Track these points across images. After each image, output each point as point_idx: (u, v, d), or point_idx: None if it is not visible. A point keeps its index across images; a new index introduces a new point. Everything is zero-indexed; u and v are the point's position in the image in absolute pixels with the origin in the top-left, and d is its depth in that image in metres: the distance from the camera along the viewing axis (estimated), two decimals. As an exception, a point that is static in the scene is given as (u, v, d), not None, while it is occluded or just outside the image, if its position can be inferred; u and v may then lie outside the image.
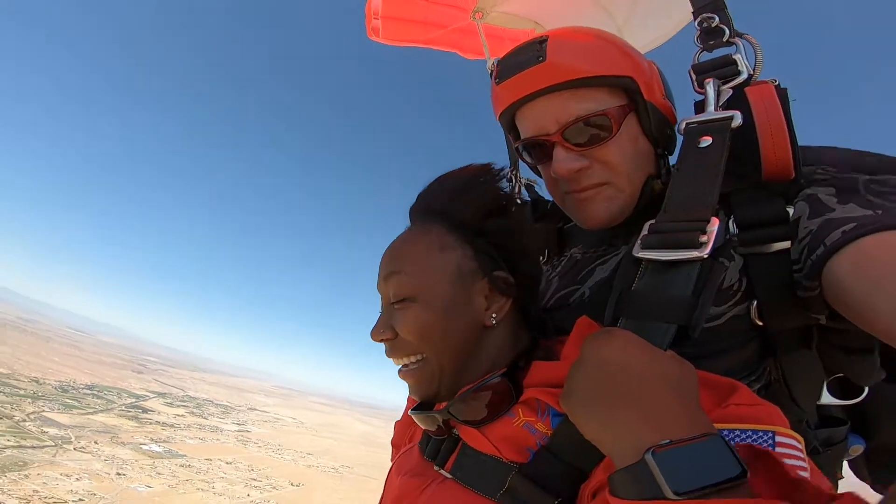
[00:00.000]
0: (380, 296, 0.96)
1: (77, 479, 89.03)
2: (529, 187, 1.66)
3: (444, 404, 0.90)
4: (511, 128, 1.15)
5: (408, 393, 0.96)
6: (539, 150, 1.08)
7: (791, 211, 0.91)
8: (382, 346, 0.92)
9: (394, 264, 0.91)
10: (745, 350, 0.95)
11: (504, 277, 0.91)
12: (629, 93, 1.02)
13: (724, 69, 1.04)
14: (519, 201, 0.96)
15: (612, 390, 0.62)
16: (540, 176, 1.21)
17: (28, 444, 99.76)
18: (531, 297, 0.99)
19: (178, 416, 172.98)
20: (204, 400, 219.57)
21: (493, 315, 0.90)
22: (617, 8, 2.00)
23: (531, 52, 1.00)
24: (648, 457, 0.53)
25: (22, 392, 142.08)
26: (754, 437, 0.63)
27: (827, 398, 1.06)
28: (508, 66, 1.04)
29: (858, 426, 1.16)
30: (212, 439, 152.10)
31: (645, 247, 0.83)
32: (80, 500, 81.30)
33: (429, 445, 0.93)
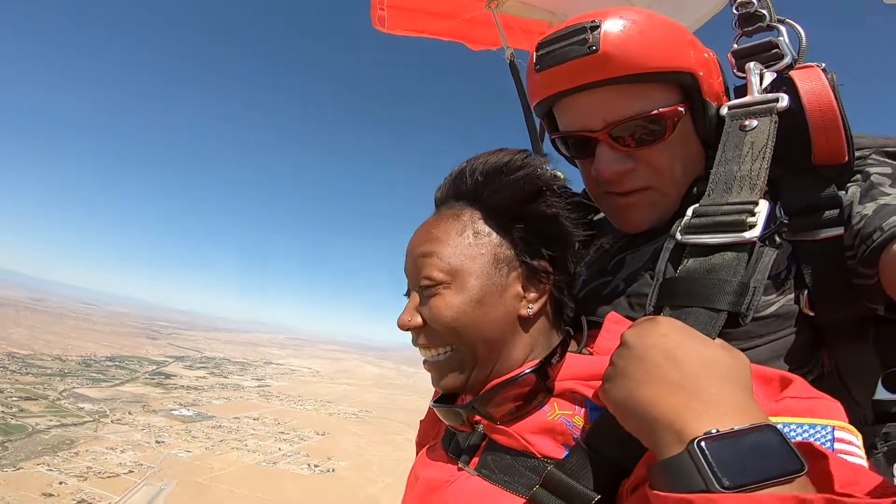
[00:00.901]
0: (406, 280, 0.91)
1: (122, 451, 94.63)
2: (555, 178, 1.56)
3: (468, 398, 0.86)
4: (547, 116, 1.08)
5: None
6: (580, 145, 1.02)
7: (843, 197, 0.87)
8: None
9: (426, 246, 0.86)
10: (794, 341, 0.89)
11: (543, 266, 0.87)
12: (687, 89, 0.95)
13: (765, 53, 0.99)
14: (559, 189, 0.92)
15: (655, 378, 0.58)
16: (575, 166, 1.13)
17: (69, 422, 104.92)
18: (569, 289, 0.94)
19: (200, 377, 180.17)
20: (221, 359, 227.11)
21: (530, 305, 0.86)
22: None
23: (581, 40, 0.90)
24: (694, 447, 0.50)
25: (49, 371, 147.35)
26: (812, 431, 0.59)
27: (882, 393, 0.99)
28: (553, 53, 0.93)
29: None
30: (236, 397, 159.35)
31: (689, 231, 0.79)
32: (130, 471, 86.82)
33: (452, 441, 0.88)
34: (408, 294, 0.91)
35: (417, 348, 0.89)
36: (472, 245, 0.85)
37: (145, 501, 78.19)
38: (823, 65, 0.94)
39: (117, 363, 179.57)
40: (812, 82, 0.90)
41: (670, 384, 0.57)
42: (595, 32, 0.89)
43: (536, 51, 0.98)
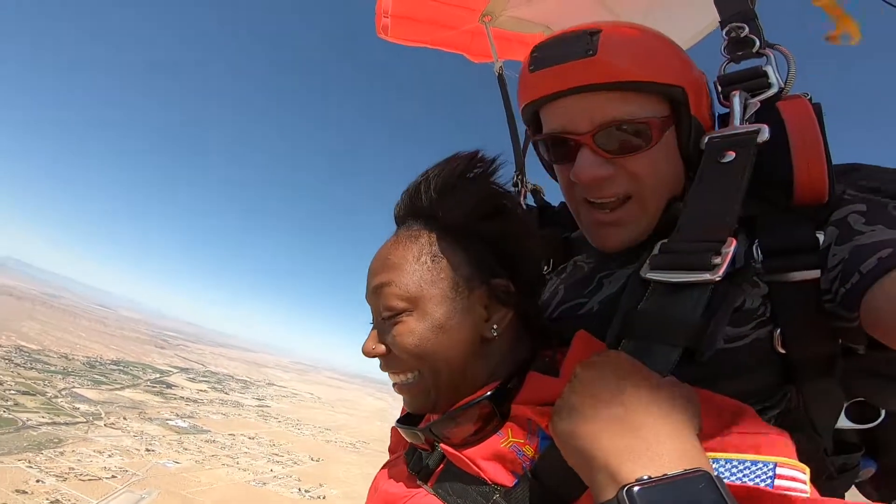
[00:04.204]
0: (370, 308, 0.90)
1: (109, 456, 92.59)
2: (535, 192, 1.53)
3: (429, 418, 0.87)
4: (533, 120, 1.06)
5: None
6: (561, 149, 1.00)
7: (821, 237, 0.86)
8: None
9: (383, 275, 0.85)
10: (763, 375, 0.90)
11: (504, 285, 0.85)
12: (675, 103, 0.95)
13: (752, 81, 0.98)
14: (522, 199, 0.86)
15: (599, 414, 0.58)
16: (553, 177, 1.12)
17: (62, 421, 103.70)
18: (533, 305, 0.94)
19: (201, 391, 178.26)
20: (224, 375, 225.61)
21: (494, 326, 0.84)
22: (630, 15, 1.88)
23: (580, 43, 0.91)
24: (623, 494, 0.49)
25: (53, 368, 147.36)
26: (753, 468, 0.59)
27: (844, 422, 1.01)
28: (550, 55, 0.94)
29: (870, 448, 1.11)
30: (234, 414, 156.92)
31: (654, 267, 0.79)
32: (113, 476, 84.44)
33: (413, 458, 0.89)
34: (372, 322, 0.90)
35: (386, 374, 0.88)
36: (431, 269, 0.83)
37: (122, 508, 74.75)
38: (809, 95, 0.93)
39: (122, 368, 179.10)
40: (799, 114, 0.89)
41: (613, 421, 0.57)
42: (595, 38, 0.90)
43: (532, 52, 0.98)
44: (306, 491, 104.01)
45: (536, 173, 1.21)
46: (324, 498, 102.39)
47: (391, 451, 1.13)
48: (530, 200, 1.57)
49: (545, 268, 1.17)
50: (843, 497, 1.06)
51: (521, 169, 1.55)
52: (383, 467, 1.00)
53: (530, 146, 1.13)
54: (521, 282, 0.88)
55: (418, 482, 0.84)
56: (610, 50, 0.89)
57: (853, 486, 1.13)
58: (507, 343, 0.87)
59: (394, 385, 0.88)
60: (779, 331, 0.88)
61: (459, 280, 0.83)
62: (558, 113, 0.97)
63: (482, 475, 0.74)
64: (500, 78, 1.96)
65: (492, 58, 1.99)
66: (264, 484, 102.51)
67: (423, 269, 0.83)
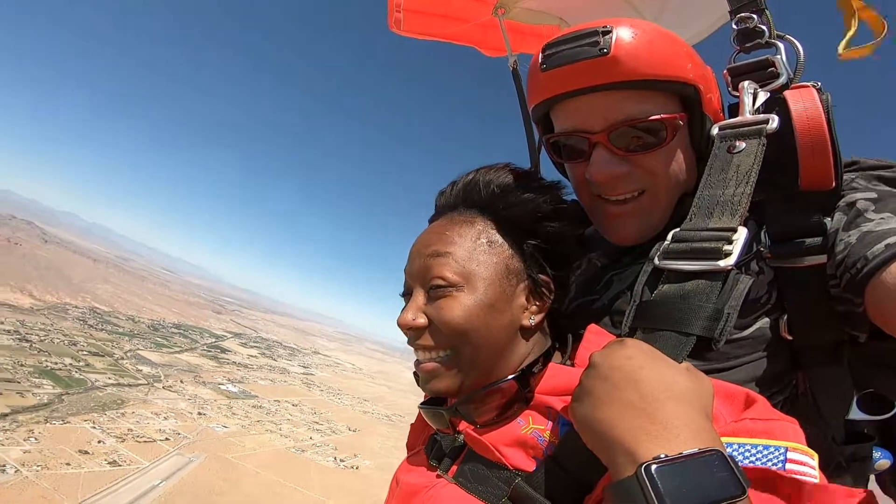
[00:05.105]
0: (407, 279, 0.91)
1: (165, 418, 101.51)
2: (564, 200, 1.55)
3: (453, 400, 0.88)
4: (543, 119, 1.07)
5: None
6: (574, 147, 1.01)
7: (828, 223, 0.87)
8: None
9: (440, 246, 0.86)
10: (770, 363, 0.92)
11: (546, 282, 0.90)
12: (686, 101, 0.96)
13: (761, 71, 0.99)
14: (569, 210, 0.95)
15: (616, 399, 0.60)
16: (562, 173, 1.14)
17: (125, 383, 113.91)
18: (562, 303, 0.98)
19: (252, 356, 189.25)
20: (274, 342, 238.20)
21: (532, 316, 0.88)
22: (646, 6, 1.88)
23: (592, 42, 0.89)
24: (642, 471, 0.52)
25: (121, 330, 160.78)
26: (765, 452, 0.61)
27: (856, 413, 1.02)
28: (562, 54, 0.92)
29: (887, 441, 1.11)
30: (280, 381, 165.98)
31: (666, 256, 0.80)
32: (167, 438, 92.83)
33: (434, 449, 0.89)
34: (404, 295, 0.92)
35: (413, 348, 0.90)
36: (487, 252, 0.87)
37: (171, 471, 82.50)
38: (819, 84, 0.94)
39: (182, 331, 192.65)
40: (804, 103, 0.89)
41: (629, 406, 0.59)
42: (607, 37, 0.89)
43: (543, 51, 0.97)
44: (341, 460, 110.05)
45: (550, 170, 1.21)
46: (357, 468, 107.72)
47: (409, 447, 1.14)
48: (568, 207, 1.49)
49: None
50: (866, 487, 1.05)
51: (535, 165, 1.54)
52: (403, 461, 1.02)
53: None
54: (560, 281, 0.93)
55: (439, 473, 0.85)
56: (623, 49, 0.88)
57: (874, 483, 1.15)
58: (539, 336, 0.91)
59: (417, 363, 0.88)
60: (785, 317, 0.90)
61: (511, 268, 0.87)
62: (572, 112, 0.98)
63: (504, 461, 0.76)
64: (515, 72, 1.92)
65: (505, 51, 1.95)
66: (303, 451, 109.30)
67: (479, 249, 0.86)
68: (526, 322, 0.87)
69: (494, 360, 0.85)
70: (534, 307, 0.89)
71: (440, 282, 0.84)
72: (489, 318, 0.83)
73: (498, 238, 0.89)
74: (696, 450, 0.53)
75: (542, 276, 0.90)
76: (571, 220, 0.94)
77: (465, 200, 0.94)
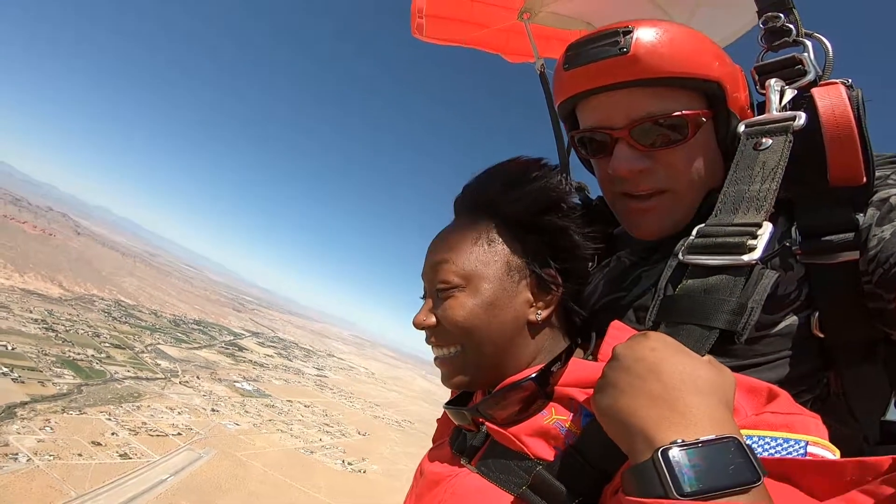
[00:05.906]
0: (423, 285, 0.98)
1: (179, 413, 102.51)
2: (580, 190, 1.53)
3: (479, 397, 0.93)
4: (569, 117, 1.10)
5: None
6: (598, 143, 1.03)
7: (860, 219, 0.86)
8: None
9: (442, 253, 0.92)
10: (799, 360, 0.91)
11: (552, 275, 0.91)
12: (711, 98, 0.96)
13: (789, 69, 0.99)
14: (574, 201, 0.97)
15: (638, 389, 0.62)
16: (591, 171, 1.16)
17: (143, 376, 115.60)
18: (576, 298, 0.99)
19: (268, 356, 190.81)
20: (290, 342, 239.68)
21: (538, 312, 0.90)
22: (676, 9, 1.88)
23: (613, 42, 0.92)
24: (658, 454, 0.53)
25: (143, 324, 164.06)
26: (785, 445, 0.62)
27: (894, 414, 1.00)
28: (584, 53, 0.96)
29: None
30: (294, 381, 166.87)
31: (691, 251, 0.81)
32: (179, 433, 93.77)
33: (458, 440, 0.93)
34: (424, 297, 0.97)
35: (430, 346, 0.95)
36: (486, 252, 0.90)
37: (180, 466, 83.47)
38: (849, 81, 0.93)
39: (202, 328, 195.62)
40: (831, 99, 0.89)
41: (651, 396, 0.60)
42: (627, 37, 0.91)
43: (566, 52, 1.00)
44: (349, 464, 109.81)
45: (581, 172, 1.25)
46: (364, 472, 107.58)
47: (435, 440, 1.16)
48: (575, 198, 1.53)
49: (591, 264, 1.18)
50: None
51: (565, 167, 1.54)
52: (427, 452, 1.04)
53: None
54: (569, 275, 0.94)
55: (462, 462, 0.88)
56: (643, 48, 0.91)
57: None
58: (551, 330, 0.93)
59: (435, 359, 0.94)
60: (817, 314, 0.89)
61: (511, 265, 0.90)
62: (594, 109, 1.01)
63: (525, 450, 0.78)
64: (542, 76, 1.93)
65: (530, 57, 1.96)
66: (312, 453, 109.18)
67: (479, 250, 0.90)
68: (532, 317, 0.89)
69: (501, 355, 0.89)
70: (540, 302, 0.91)
71: (444, 284, 0.89)
72: (490, 316, 0.87)
73: (498, 237, 0.91)
74: (713, 436, 0.54)
75: (547, 271, 0.91)
76: (573, 210, 0.95)
77: (472, 202, 0.98)
